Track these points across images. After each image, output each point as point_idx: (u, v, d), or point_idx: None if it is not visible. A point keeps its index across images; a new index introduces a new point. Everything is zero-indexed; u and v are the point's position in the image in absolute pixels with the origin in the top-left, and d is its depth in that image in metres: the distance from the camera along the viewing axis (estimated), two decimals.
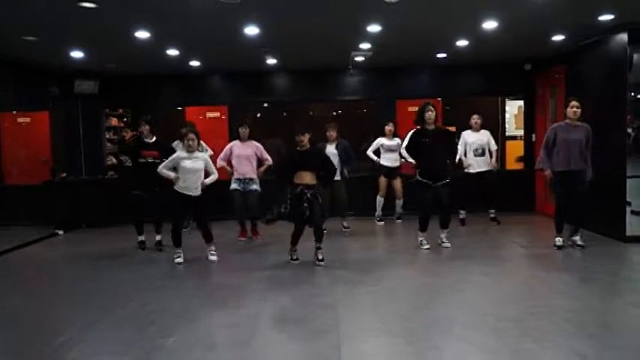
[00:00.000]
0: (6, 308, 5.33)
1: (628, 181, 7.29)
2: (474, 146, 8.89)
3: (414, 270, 6.45)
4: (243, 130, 8.05)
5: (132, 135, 8.06)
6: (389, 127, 9.26)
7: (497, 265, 6.48)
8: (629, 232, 7.29)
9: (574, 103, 6.81)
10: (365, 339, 4.24)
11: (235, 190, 8.00)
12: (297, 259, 6.70)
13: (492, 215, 9.19)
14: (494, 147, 9.06)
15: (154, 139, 7.69)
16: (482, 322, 4.48)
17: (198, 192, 6.82)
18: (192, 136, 6.82)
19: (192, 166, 6.77)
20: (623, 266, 6.62)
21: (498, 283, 5.75)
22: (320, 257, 6.59)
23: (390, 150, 9.25)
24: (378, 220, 9.57)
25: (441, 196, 6.97)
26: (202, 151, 7.29)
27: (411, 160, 7.51)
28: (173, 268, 6.73)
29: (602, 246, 7.23)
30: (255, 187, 8.01)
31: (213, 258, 7.01)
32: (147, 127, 7.65)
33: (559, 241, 7.01)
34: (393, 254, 7.27)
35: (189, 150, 6.82)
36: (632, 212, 7.32)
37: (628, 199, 7.31)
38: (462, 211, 9.17)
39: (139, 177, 7.62)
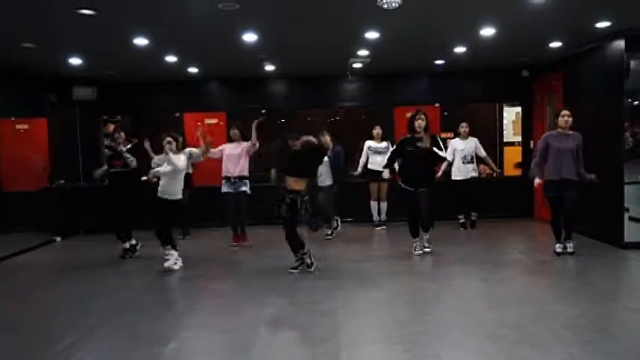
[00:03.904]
0: (4, 315, 5.32)
1: (626, 187, 7.30)
2: (462, 153, 9.18)
3: (413, 276, 6.44)
4: (233, 132, 8.16)
5: (131, 141, 8.04)
6: (377, 131, 9.43)
7: (496, 271, 6.47)
8: (627, 239, 7.28)
9: (564, 112, 6.88)
10: (364, 346, 4.24)
11: (226, 192, 8.01)
12: (296, 269, 6.44)
13: (473, 218, 9.41)
14: (483, 154, 9.32)
15: (129, 146, 7.63)
16: (481, 328, 4.48)
17: (174, 197, 6.74)
18: (168, 139, 6.77)
19: (165, 170, 6.71)
20: (622, 272, 6.62)
21: (497, 289, 5.75)
22: (294, 265, 6.47)
23: (377, 152, 9.36)
24: (376, 226, 9.59)
25: (420, 201, 7.02)
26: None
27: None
28: (171, 275, 6.71)
29: (601, 252, 7.22)
30: (245, 188, 8.00)
31: (170, 265, 6.77)
32: (122, 134, 7.60)
33: (558, 247, 7.00)
34: (391, 260, 7.25)
35: (165, 153, 6.76)
36: (630, 218, 7.32)
37: (626, 206, 7.31)
38: (473, 214, 9.41)
39: (110, 186, 7.70)
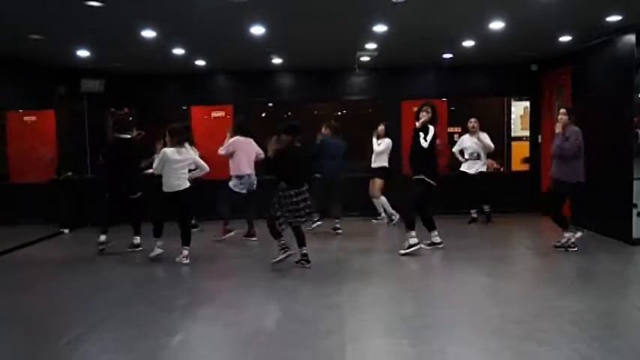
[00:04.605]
0: (11, 307, 5.36)
1: (635, 183, 7.25)
2: (470, 150, 9.25)
3: (419, 271, 6.44)
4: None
5: (138, 133, 8.04)
6: (380, 127, 9.32)
7: (501, 266, 6.46)
8: (635, 235, 7.24)
9: (561, 110, 6.96)
10: (369, 340, 4.24)
11: None
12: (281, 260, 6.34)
13: (487, 210, 9.33)
14: (490, 146, 9.23)
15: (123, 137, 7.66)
16: (486, 323, 4.48)
17: (169, 189, 6.77)
18: (166, 133, 6.83)
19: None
20: (630, 268, 6.58)
21: (503, 285, 5.74)
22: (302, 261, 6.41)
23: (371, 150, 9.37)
24: (375, 220, 9.56)
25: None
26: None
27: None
28: (178, 267, 6.73)
29: (609, 248, 7.19)
30: (229, 183, 8.05)
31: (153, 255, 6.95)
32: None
33: (557, 242, 7.04)
34: (397, 254, 7.23)
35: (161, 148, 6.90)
36: (639, 214, 7.27)
37: (635, 202, 7.26)
38: (485, 207, 9.34)
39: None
